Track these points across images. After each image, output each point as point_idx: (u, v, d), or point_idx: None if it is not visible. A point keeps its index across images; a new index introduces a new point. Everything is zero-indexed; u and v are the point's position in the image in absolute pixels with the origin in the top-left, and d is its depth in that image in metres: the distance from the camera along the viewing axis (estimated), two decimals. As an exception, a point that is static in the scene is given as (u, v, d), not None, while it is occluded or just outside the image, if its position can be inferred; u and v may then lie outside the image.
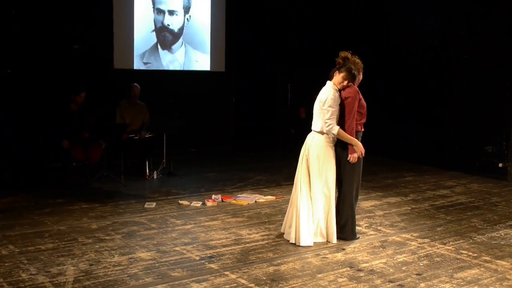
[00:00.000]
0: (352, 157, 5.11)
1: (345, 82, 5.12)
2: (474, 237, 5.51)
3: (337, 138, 5.17)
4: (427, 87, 9.78)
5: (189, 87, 10.30)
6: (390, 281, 4.27)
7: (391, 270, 4.54)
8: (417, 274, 4.44)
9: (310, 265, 4.60)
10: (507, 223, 6.04)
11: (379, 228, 5.80)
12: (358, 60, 5.21)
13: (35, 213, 6.15)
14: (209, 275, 4.33)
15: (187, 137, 9.97)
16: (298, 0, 11.34)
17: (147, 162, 8.32)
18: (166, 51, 10.16)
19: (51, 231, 5.45)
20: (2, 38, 8.34)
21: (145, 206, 6.54)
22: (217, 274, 4.37)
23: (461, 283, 4.27)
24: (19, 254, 4.73)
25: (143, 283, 4.17)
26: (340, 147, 5.21)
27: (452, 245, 5.23)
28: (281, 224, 5.81)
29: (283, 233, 5.39)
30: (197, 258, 4.75)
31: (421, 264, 4.68)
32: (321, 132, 5.16)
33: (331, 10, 11.23)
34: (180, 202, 6.74)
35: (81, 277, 4.23)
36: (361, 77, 5.30)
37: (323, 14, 11.31)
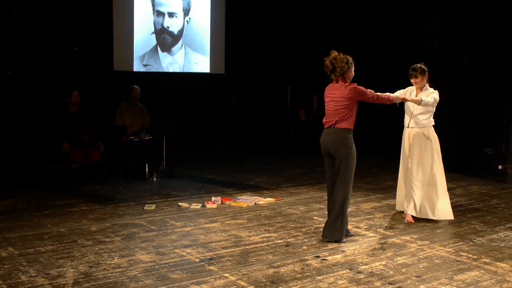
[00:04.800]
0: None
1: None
2: (474, 239, 5.51)
3: (330, 137, 5.24)
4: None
5: (189, 89, 10.31)
6: (390, 283, 4.27)
7: (390, 272, 4.54)
8: (416, 276, 4.43)
9: (310, 267, 4.60)
10: (506, 225, 6.04)
11: (378, 230, 5.80)
12: (344, 56, 5.17)
13: (35, 215, 6.15)
14: (209, 277, 4.33)
15: (187, 139, 9.99)
16: (297, 2, 11.35)
17: (146, 164, 8.32)
18: (166, 53, 10.17)
19: (51, 233, 5.45)
20: (3, 40, 8.35)
21: (145, 208, 6.54)
22: (217, 276, 4.37)
23: (461, 285, 4.27)
24: (18, 256, 4.73)
25: (143, 285, 4.17)
26: (338, 146, 5.19)
27: (452, 247, 5.23)
28: (281, 227, 5.82)
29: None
30: (197, 260, 4.74)
31: (421, 266, 4.68)
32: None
33: (331, 13, 11.24)
34: (180, 204, 6.74)
35: (81, 279, 4.23)
36: (353, 73, 5.30)
37: (323, 16, 11.33)
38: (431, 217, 6.09)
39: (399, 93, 6.09)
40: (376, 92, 5.44)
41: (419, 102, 5.82)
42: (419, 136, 6.01)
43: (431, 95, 5.92)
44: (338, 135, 5.19)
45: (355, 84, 5.21)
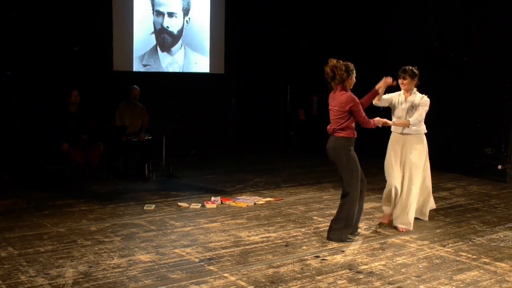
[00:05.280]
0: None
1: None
2: (474, 239, 5.51)
3: (339, 143, 5.23)
4: (426, 89, 9.77)
5: (188, 89, 10.31)
6: (390, 283, 4.28)
7: (390, 272, 4.54)
8: (416, 276, 4.44)
9: (310, 267, 4.60)
10: (506, 225, 6.05)
11: (378, 230, 5.80)
12: (343, 64, 5.14)
13: (34, 215, 6.15)
14: (209, 277, 4.33)
15: (186, 139, 9.99)
16: (297, 2, 11.36)
17: (146, 164, 8.32)
18: (165, 53, 10.17)
19: (50, 233, 5.45)
20: (3, 40, 8.35)
21: (145, 208, 6.54)
22: (216, 276, 4.37)
23: (461, 285, 4.28)
24: (18, 256, 4.73)
25: (142, 285, 4.17)
26: (336, 154, 5.22)
27: (452, 247, 5.24)
28: (281, 227, 5.82)
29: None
30: (197, 260, 4.75)
31: (421, 266, 4.68)
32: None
33: (330, 13, 11.24)
34: (180, 204, 6.74)
35: (80, 279, 4.23)
36: (354, 80, 5.27)
37: (323, 16, 11.32)
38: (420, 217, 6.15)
39: (386, 97, 5.88)
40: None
41: (407, 124, 5.71)
42: (413, 142, 5.82)
43: (421, 109, 5.75)
44: (336, 143, 5.24)
45: (352, 94, 5.19)
